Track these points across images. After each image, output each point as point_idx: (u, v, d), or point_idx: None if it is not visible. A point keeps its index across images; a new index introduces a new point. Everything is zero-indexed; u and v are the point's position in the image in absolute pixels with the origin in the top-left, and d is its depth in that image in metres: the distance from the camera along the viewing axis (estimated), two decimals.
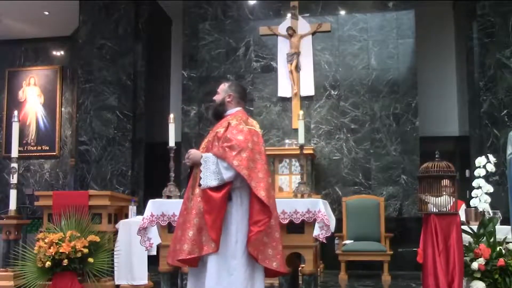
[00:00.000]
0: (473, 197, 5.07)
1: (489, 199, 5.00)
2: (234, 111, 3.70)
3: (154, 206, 4.27)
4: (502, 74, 7.96)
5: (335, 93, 8.34)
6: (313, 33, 8.45)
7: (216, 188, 3.39)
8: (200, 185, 3.41)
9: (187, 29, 8.88)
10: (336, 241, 7.19)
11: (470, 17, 8.36)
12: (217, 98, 3.76)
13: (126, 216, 5.65)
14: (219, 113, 3.74)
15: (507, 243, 4.47)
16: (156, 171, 8.41)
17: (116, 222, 5.52)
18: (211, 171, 3.41)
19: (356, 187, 8.07)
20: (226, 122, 3.61)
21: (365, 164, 8.12)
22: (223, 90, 3.76)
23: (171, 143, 4.62)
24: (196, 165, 3.54)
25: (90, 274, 4.95)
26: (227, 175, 3.39)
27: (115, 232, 5.38)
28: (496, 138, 7.82)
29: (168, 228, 4.24)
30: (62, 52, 10.91)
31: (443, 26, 9.47)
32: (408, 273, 7.15)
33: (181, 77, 8.88)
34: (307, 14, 8.53)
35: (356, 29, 8.40)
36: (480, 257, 4.29)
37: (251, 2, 8.80)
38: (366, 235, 7.08)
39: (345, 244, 7.00)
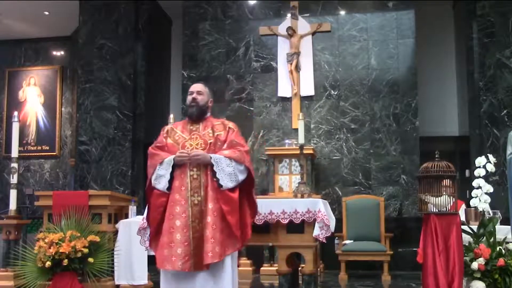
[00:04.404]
0: (473, 197, 5.06)
1: (489, 199, 4.99)
2: (209, 115, 3.77)
3: None
4: (502, 74, 7.96)
5: (335, 93, 8.34)
6: (313, 33, 8.45)
7: (231, 189, 3.45)
8: (221, 186, 3.42)
9: (187, 29, 8.89)
10: (336, 241, 7.19)
11: (470, 17, 8.36)
12: (202, 99, 3.70)
13: (126, 216, 5.65)
14: (203, 114, 3.71)
15: (507, 243, 4.47)
16: None
17: (116, 222, 5.51)
18: (226, 173, 3.44)
19: (356, 187, 8.07)
20: (222, 124, 3.66)
21: (365, 164, 8.12)
22: (207, 93, 3.75)
23: None
24: (191, 165, 3.49)
25: (90, 274, 4.94)
26: (241, 177, 3.49)
27: (115, 232, 5.38)
28: (496, 138, 7.82)
29: None
30: (62, 52, 10.92)
31: (443, 26, 9.48)
32: (408, 273, 7.16)
33: (181, 77, 8.88)
34: (307, 14, 8.54)
35: (356, 29, 8.40)
36: (480, 257, 4.29)
37: (251, 2, 8.80)
38: (366, 235, 7.08)
39: (345, 244, 7.00)
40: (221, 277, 3.44)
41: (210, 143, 3.56)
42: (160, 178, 3.49)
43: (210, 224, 3.38)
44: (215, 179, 3.44)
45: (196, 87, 3.75)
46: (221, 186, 3.42)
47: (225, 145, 3.56)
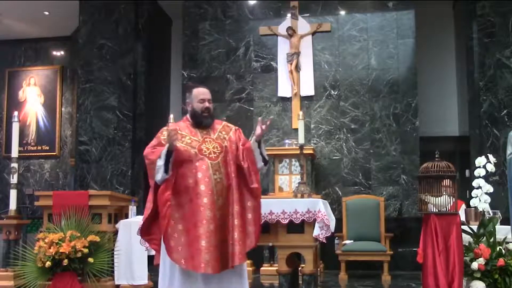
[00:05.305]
0: (473, 197, 5.07)
1: (489, 199, 4.99)
2: None
3: None
4: (502, 74, 7.96)
5: (335, 93, 8.34)
6: (313, 33, 8.45)
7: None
8: (265, 162, 3.64)
9: (187, 29, 8.89)
10: (336, 241, 7.19)
11: (470, 17, 8.36)
12: (212, 107, 3.71)
13: (126, 216, 5.65)
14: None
15: (507, 243, 4.48)
16: None
17: (116, 222, 5.52)
18: (263, 156, 3.63)
19: (356, 187, 8.07)
20: (227, 126, 3.72)
21: (365, 164, 8.12)
22: None
23: None
24: (213, 169, 3.53)
25: (90, 274, 4.95)
26: None
27: (115, 232, 5.38)
28: (496, 138, 7.82)
29: None
30: (62, 52, 10.91)
31: (443, 26, 9.48)
32: (408, 273, 7.16)
33: (181, 77, 8.89)
34: (307, 14, 8.54)
35: (356, 29, 8.40)
36: (480, 257, 4.29)
37: (251, 2, 8.80)
38: (366, 235, 7.08)
39: (345, 244, 7.00)
40: (243, 275, 3.55)
41: (225, 146, 3.58)
42: (159, 168, 3.43)
43: (238, 227, 3.44)
44: (248, 161, 3.56)
45: (206, 94, 3.68)
46: (264, 163, 3.64)
47: (241, 143, 3.65)
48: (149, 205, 3.56)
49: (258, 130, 3.59)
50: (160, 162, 3.42)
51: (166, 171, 3.41)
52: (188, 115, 3.71)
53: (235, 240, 3.42)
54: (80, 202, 5.21)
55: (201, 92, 3.67)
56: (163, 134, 3.59)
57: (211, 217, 3.39)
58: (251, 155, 3.60)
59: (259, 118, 3.69)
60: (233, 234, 3.42)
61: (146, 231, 3.64)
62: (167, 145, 3.42)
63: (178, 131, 3.56)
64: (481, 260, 4.27)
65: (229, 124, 3.77)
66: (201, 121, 3.63)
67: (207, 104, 3.63)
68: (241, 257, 3.42)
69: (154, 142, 3.60)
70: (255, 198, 3.57)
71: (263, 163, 3.65)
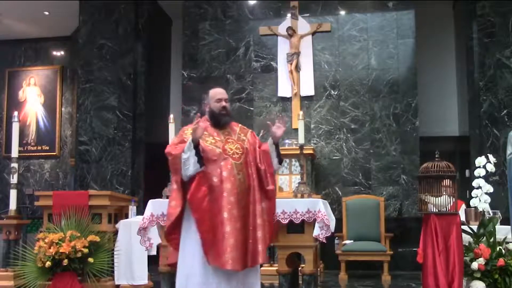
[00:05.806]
0: (473, 197, 5.07)
1: (489, 199, 4.99)
2: None
3: (154, 206, 4.29)
4: (502, 74, 7.96)
5: (335, 93, 8.34)
6: (313, 33, 8.46)
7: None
8: (280, 162, 3.72)
9: (187, 29, 8.89)
10: (336, 241, 7.19)
11: (470, 17, 8.36)
12: (229, 106, 3.75)
13: (126, 216, 5.65)
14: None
15: (507, 243, 4.47)
16: (156, 171, 8.39)
17: (116, 222, 5.52)
18: (278, 159, 3.73)
19: (356, 187, 8.07)
20: (243, 128, 3.79)
21: (365, 164, 8.12)
22: None
23: None
24: (237, 169, 3.55)
25: (90, 274, 4.95)
26: None
27: (115, 232, 5.38)
28: (496, 138, 7.82)
29: None
30: (62, 52, 10.91)
31: (443, 26, 9.48)
32: (408, 273, 7.16)
33: (181, 77, 8.89)
34: (307, 14, 8.54)
35: (356, 29, 8.40)
36: (480, 257, 4.29)
37: (251, 2, 8.80)
38: (366, 235, 7.08)
39: (345, 244, 7.00)
40: (258, 271, 3.64)
41: (246, 148, 3.63)
42: (186, 161, 3.39)
43: (260, 226, 3.51)
44: (265, 163, 3.63)
45: (223, 93, 3.73)
46: (279, 162, 3.74)
47: (257, 145, 3.72)
48: (175, 203, 3.50)
49: (278, 132, 3.65)
50: (186, 155, 3.39)
51: (198, 162, 3.39)
52: (206, 116, 3.75)
53: (258, 238, 3.48)
54: (80, 202, 5.21)
55: (217, 92, 3.74)
56: (185, 133, 3.61)
57: (236, 216, 3.43)
58: (267, 157, 3.67)
59: (269, 123, 3.73)
60: (256, 233, 3.48)
61: (171, 232, 3.57)
62: (190, 138, 3.43)
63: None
64: (481, 260, 4.27)
65: (245, 127, 3.84)
66: (220, 120, 3.67)
67: (223, 103, 3.69)
68: (263, 255, 3.50)
69: (176, 140, 3.64)
70: (269, 199, 3.62)
71: (279, 164, 3.74)
